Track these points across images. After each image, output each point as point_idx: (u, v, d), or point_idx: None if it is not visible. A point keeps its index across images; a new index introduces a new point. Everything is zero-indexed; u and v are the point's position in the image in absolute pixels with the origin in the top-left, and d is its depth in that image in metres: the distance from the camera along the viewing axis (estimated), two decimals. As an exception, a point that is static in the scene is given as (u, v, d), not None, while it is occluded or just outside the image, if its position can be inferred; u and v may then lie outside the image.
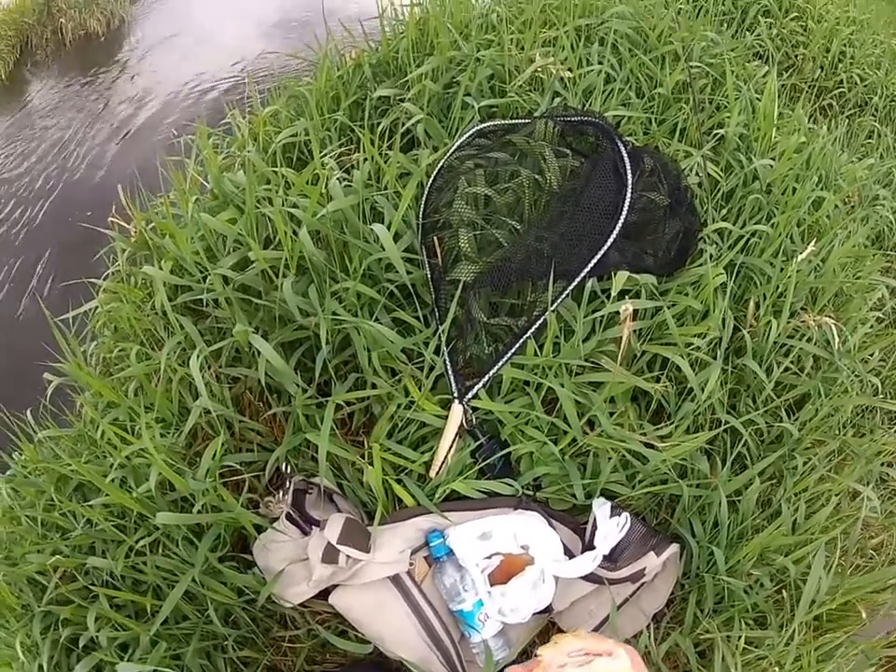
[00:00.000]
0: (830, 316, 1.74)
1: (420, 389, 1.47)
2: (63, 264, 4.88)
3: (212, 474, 1.38)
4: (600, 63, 2.28)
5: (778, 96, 2.48)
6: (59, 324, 1.69)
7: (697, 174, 2.02)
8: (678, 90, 2.34)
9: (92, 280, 2.03)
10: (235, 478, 1.50)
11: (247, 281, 1.60)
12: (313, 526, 1.39)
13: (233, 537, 1.52)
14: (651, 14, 2.58)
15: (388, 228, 1.54)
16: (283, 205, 1.61)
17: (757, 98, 2.46)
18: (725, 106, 2.36)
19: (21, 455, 1.75)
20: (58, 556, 1.42)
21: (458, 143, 1.87)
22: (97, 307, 1.93)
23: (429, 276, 1.60)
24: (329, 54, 2.62)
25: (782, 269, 1.79)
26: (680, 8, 2.92)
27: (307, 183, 1.67)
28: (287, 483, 1.43)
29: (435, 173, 1.78)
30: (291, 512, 1.40)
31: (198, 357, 1.44)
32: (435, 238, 1.62)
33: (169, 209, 1.86)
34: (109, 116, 6.65)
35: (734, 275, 1.77)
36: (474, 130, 1.90)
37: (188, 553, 1.38)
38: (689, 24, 2.64)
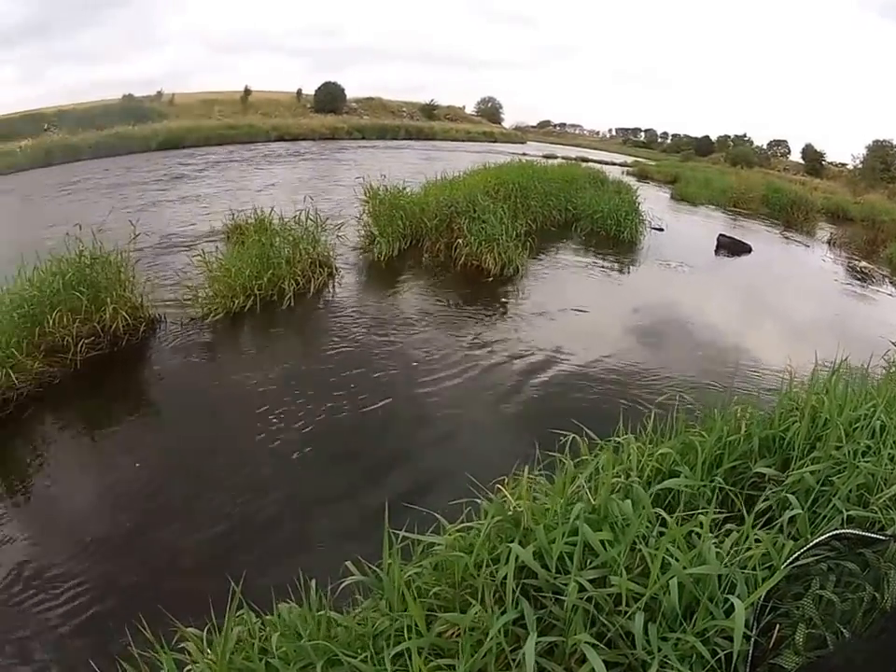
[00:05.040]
0: None
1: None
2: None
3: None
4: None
5: None
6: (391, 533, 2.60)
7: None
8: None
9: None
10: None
11: (597, 596, 2.24)
12: None
13: None
14: None
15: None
16: (656, 549, 2.30)
17: None
18: None
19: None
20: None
21: (818, 540, 2.38)
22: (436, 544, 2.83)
23: (751, 652, 2.09)
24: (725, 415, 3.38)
25: None
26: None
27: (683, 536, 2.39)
28: None
29: (792, 559, 2.31)
30: None
31: (535, 642, 2.09)
32: (777, 623, 2.12)
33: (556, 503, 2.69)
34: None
35: None
36: (835, 532, 2.41)
37: None
38: None
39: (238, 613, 2.77)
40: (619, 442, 3.50)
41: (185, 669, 2.72)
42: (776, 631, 2.11)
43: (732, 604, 2.12)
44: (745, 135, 49.98)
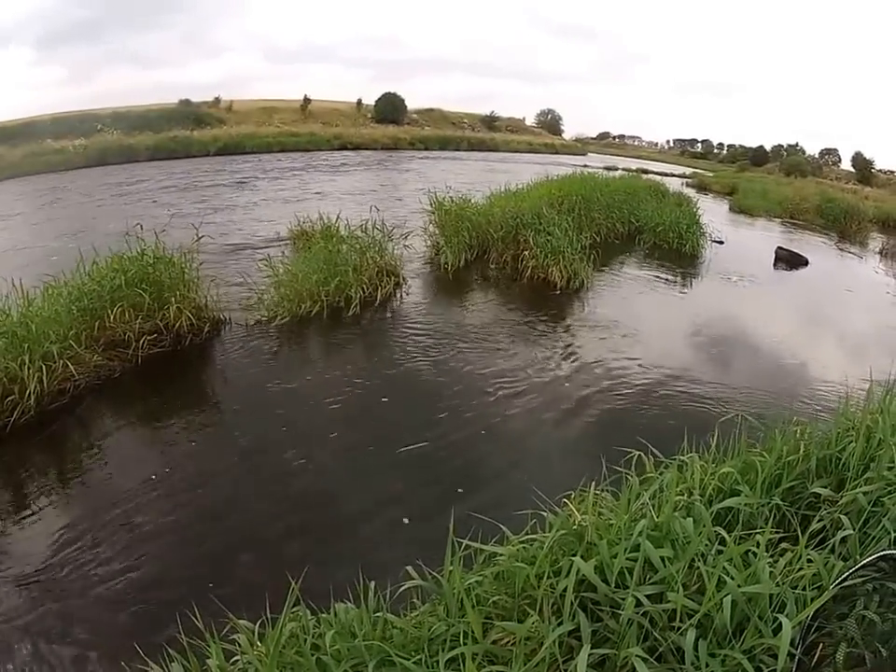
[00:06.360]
0: None
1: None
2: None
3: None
4: None
5: None
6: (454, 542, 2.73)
7: None
8: None
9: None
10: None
11: (652, 611, 2.38)
12: None
13: None
14: None
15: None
16: (713, 567, 2.45)
17: None
18: None
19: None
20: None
21: (865, 561, 2.51)
22: (498, 554, 2.95)
23: (794, 670, 2.22)
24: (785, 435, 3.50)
25: None
26: None
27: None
28: None
29: (838, 582, 2.45)
30: None
31: (587, 654, 2.20)
32: (821, 643, 2.28)
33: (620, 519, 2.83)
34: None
35: None
36: (882, 553, 2.52)
37: None
38: None
39: (293, 609, 2.83)
40: (683, 461, 3.64)
41: (232, 660, 2.82)
42: (818, 650, 2.26)
43: (780, 622, 2.24)
44: (797, 145, 51.74)
